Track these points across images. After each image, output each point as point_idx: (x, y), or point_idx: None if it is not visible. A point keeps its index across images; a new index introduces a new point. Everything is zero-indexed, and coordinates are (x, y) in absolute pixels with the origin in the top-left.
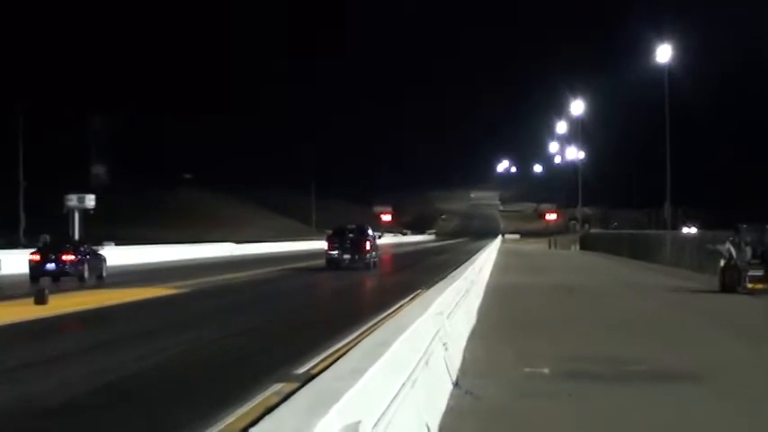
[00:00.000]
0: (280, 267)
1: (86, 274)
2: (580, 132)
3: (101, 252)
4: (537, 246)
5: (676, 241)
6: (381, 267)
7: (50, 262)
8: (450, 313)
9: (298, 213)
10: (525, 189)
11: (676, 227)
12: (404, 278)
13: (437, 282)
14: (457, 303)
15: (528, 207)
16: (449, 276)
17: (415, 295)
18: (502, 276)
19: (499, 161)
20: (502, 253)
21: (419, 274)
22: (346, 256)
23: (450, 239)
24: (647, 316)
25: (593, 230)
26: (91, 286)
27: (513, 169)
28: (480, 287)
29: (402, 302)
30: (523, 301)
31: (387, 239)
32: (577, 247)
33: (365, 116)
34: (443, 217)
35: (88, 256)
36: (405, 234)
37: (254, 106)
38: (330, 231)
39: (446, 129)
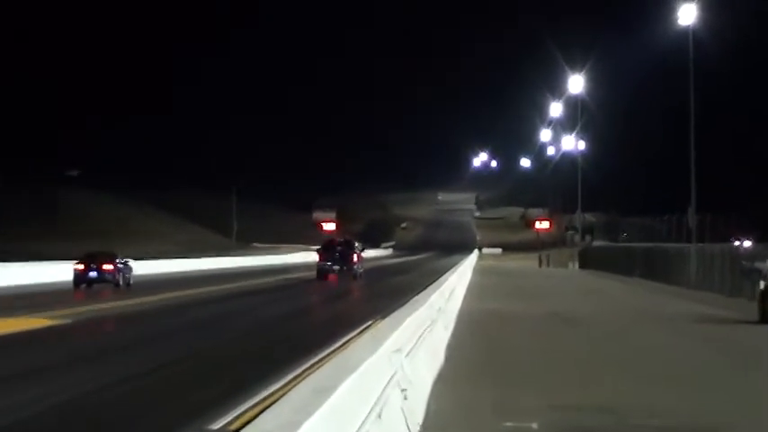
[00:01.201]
0: (196, 290)
1: (121, 282)
2: (580, 116)
3: (129, 263)
4: (524, 263)
5: (703, 257)
6: (322, 291)
7: (92, 270)
8: (410, 351)
9: (217, 222)
10: (509, 190)
11: (728, 239)
12: (354, 304)
13: (395, 309)
14: (420, 338)
15: (512, 213)
16: (410, 302)
17: (368, 326)
18: (478, 303)
19: (475, 154)
20: (478, 272)
21: (373, 299)
22: (336, 267)
23: (412, 254)
24: (662, 354)
25: (596, 243)
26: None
27: (494, 164)
28: (450, 317)
29: (350, 336)
30: (505, 335)
31: None
32: (576, 265)
33: (304, 101)
34: (403, 225)
35: (122, 266)
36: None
37: (164, 94)
38: (319, 246)
39: (408, 114)
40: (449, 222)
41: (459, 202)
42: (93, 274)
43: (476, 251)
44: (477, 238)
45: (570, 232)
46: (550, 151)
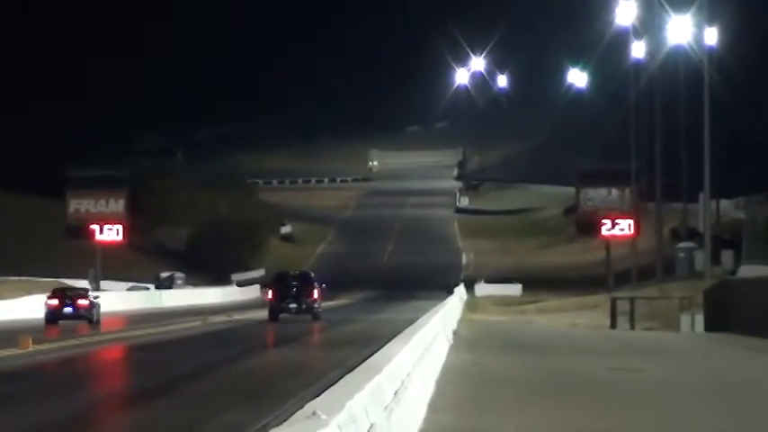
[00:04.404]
0: None
1: (95, 318)
2: None
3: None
4: (574, 317)
5: None
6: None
7: (68, 306)
8: None
9: None
10: (537, 143)
11: None
12: (183, 411)
13: (275, 423)
14: None
15: (546, 199)
16: (303, 410)
17: None
18: (464, 418)
19: (460, 62)
20: (465, 343)
21: (220, 401)
22: (293, 306)
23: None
24: None
25: (746, 269)
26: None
27: (501, 82)
28: None
29: None
30: None
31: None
32: (699, 322)
33: None
34: (285, 230)
35: (95, 302)
36: (173, 283)
37: None
38: (271, 279)
39: None
40: (394, 221)
41: (419, 173)
42: (68, 310)
43: (459, 291)
44: (464, 259)
45: (684, 245)
46: (636, 52)
